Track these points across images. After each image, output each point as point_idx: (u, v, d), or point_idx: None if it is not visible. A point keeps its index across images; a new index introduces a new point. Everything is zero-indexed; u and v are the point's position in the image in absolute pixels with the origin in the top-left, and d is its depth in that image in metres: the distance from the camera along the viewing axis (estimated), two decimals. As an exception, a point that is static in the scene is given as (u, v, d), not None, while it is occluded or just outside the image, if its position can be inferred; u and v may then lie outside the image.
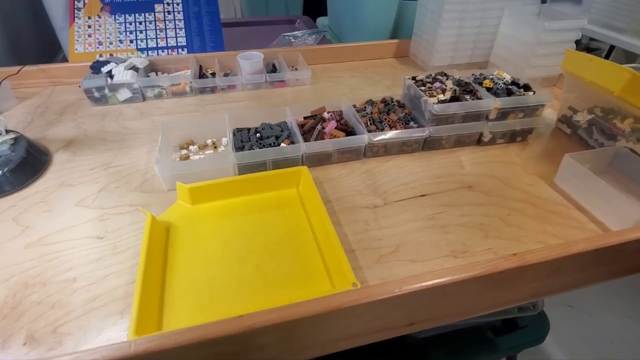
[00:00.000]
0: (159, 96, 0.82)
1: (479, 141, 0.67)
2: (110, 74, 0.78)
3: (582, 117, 0.67)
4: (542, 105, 0.65)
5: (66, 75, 0.86)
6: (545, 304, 1.18)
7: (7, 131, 0.61)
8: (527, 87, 0.67)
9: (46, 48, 1.04)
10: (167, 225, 0.50)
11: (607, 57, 1.50)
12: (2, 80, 0.74)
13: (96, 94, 0.77)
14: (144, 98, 0.81)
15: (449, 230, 0.50)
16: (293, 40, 1.16)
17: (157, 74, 0.87)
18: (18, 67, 0.81)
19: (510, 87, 0.67)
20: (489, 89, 0.66)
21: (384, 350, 0.74)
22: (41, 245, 0.48)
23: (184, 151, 0.64)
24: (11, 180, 0.55)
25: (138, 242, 0.47)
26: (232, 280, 0.43)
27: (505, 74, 0.71)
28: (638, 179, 0.58)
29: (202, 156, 0.64)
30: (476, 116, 0.64)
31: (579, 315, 1.20)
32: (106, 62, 0.80)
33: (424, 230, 0.51)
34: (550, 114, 0.76)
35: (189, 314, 0.40)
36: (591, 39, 1.57)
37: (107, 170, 0.61)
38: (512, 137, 0.68)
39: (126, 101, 0.80)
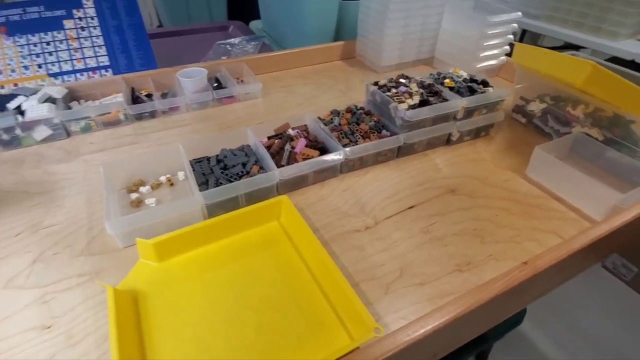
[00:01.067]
0: (86, 129, 0.70)
1: (448, 141, 0.67)
2: (19, 110, 0.64)
3: (535, 107, 0.70)
4: (502, 100, 0.66)
5: (-43, 115, 0.69)
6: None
7: None
8: (485, 83, 0.68)
9: None
10: (132, 294, 0.41)
11: (520, 40, 1.64)
12: None
13: (4, 137, 0.63)
14: (69, 134, 0.68)
15: (447, 242, 0.48)
16: (230, 48, 1.08)
17: (79, 103, 0.74)
18: None
19: (470, 84, 0.67)
20: (451, 88, 0.66)
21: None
22: (-37, 353, 0.36)
23: (135, 195, 0.54)
24: None
25: (100, 324, 0.38)
26: (230, 348, 0.36)
27: (461, 71, 0.72)
28: (597, 161, 0.61)
29: (156, 199, 0.54)
30: (445, 117, 0.63)
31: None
32: (12, 96, 0.66)
33: (423, 246, 0.48)
34: (503, 104, 0.78)
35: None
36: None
37: (37, 233, 0.49)
38: (477, 133, 0.69)
39: (45, 140, 0.66)
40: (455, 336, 0.39)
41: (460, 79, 0.69)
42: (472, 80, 0.69)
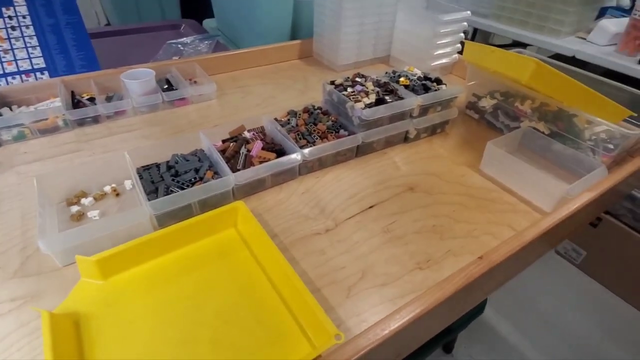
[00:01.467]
0: (20, 138, 0.63)
1: (405, 139, 0.68)
2: (-63, 119, 0.57)
3: (487, 103, 0.72)
4: (456, 97, 0.68)
5: None
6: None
7: None
8: (438, 81, 0.69)
9: None
10: (73, 318, 0.37)
11: (472, 38, 1.70)
12: None
13: None
14: (0, 144, 0.62)
15: (407, 241, 0.49)
16: (182, 48, 1.03)
17: (11, 109, 0.68)
18: None
19: (424, 82, 0.68)
20: (406, 87, 0.66)
21: None
22: None
23: (75, 207, 0.50)
24: None
25: (37, 353, 0.35)
26: (185, 369, 0.34)
27: (416, 69, 0.73)
28: (544, 154, 0.64)
29: (99, 212, 0.50)
30: (401, 115, 0.63)
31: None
32: None
33: (384, 246, 0.48)
34: (457, 101, 0.80)
35: None
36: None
37: (-40, 256, 0.44)
38: (433, 130, 0.70)
39: (-29, 151, 0.60)
40: (417, 334, 0.39)
41: (415, 77, 0.69)
42: (426, 78, 0.70)
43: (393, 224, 0.51)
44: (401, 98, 0.63)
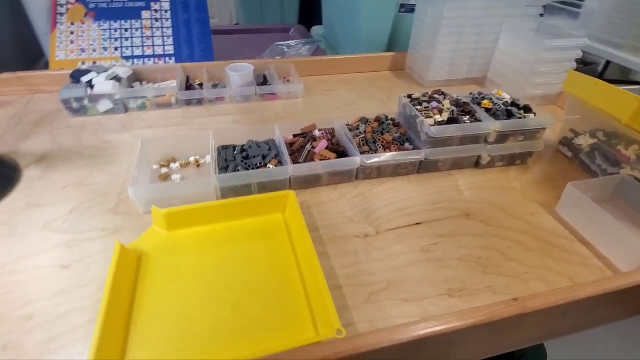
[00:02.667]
0: (142, 108, 0.78)
1: (477, 164, 0.64)
2: (90, 84, 0.74)
3: (584, 141, 0.64)
4: (544, 129, 0.62)
5: (45, 83, 0.82)
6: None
7: (-27, 145, 0.57)
8: (527, 109, 0.64)
9: (27, 54, 0.99)
10: (139, 254, 0.46)
11: (603, 71, 1.49)
12: (-27, 89, 0.70)
13: (75, 105, 0.73)
14: (127, 110, 0.77)
15: (445, 265, 0.47)
16: (286, 49, 1.13)
17: (141, 84, 0.83)
18: (-8, 74, 0.77)
19: (510, 108, 0.64)
20: (488, 110, 0.63)
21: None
22: (-2, 276, 0.43)
23: (165, 169, 0.60)
24: (-28, 201, 0.51)
25: (105, 274, 0.43)
26: (206, 322, 0.39)
27: (504, 93, 0.68)
28: (644, 209, 0.55)
29: (181, 176, 0.59)
30: (475, 138, 0.61)
31: (575, 339, 1.17)
32: (87, 71, 0.76)
33: (419, 264, 0.47)
34: (550, 134, 0.73)
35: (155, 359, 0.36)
36: (587, 53, 1.57)
37: (80, 188, 0.57)
38: (512, 160, 0.65)
39: (107, 113, 0.75)
40: (424, 357, 0.38)
41: (501, 102, 0.65)
42: (514, 104, 0.65)
43: (436, 245, 0.50)
44: (478, 121, 0.61)
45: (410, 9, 0.98)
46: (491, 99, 0.66)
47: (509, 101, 0.66)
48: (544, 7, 0.88)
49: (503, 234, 0.52)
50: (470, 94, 0.69)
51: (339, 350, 0.32)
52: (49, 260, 0.45)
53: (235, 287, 0.43)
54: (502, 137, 0.61)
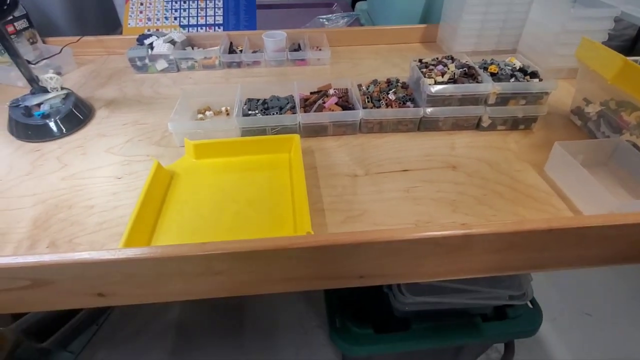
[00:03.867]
0: (191, 68, 0.91)
1: (478, 126, 0.68)
2: (151, 46, 0.88)
3: (592, 109, 0.65)
4: (546, 93, 0.64)
5: (118, 46, 0.98)
6: (562, 311, 1.14)
7: (62, 88, 0.73)
8: (534, 75, 0.66)
9: (108, 22, 1.18)
10: (171, 174, 0.58)
11: (633, 45, 1.38)
12: (63, 47, 0.88)
13: (138, 63, 0.88)
14: (178, 69, 0.91)
15: (419, 203, 0.53)
16: (326, 22, 1.20)
17: (193, 49, 0.97)
18: (77, 37, 0.95)
19: (516, 73, 0.66)
20: (493, 74, 0.66)
21: (370, 316, 0.78)
22: (73, 179, 0.58)
23: (200, 115, 0.72)
24: (59, 127, 0.67)
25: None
26: (213, 221, 0.50)
27: (516, 60, 0.70)
28: (638, 174, 0.56)
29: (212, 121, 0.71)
30: (474, 100, 0.64)
31: (597, 325, 1.14)
32: (149, 36, 0.91)
33: (397, 200, 0.54)
34: (565, 105, 0.73)
35: (172, 241, 0.48)
36: None
37: (135, 126, 0.71)
38: (514, 124, 0.67)
39: (163, 71, 0.90)
40: (381, 266, 0.45)
41: (509, 68, 0.68)
42: (522, 70, 0.67)
43: (416, 188, 0.56)
44: (479, 83, 0.64)
45: (446, -19, 1.00)
46: (499, 65, 0.68)
47: (517, 67, 0.68)
48: None
49: (483, 184, 0.57)
50: (483, 60, 0.72)
51: (300, 241, 0.41)
52: (108, 172, 0.60)
53: (239, 200, 0.53)
54: (503, 100, 0.64)
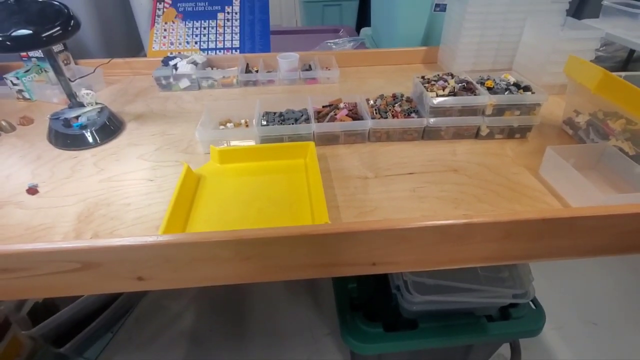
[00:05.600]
0: (211, 86, 0.99)
1: (477, 135, 0.74)
2: (175, 67, 0.97)
3: (582, 119, 0.71)
4: (538, 105, 0.70)
5: (144, 67, 1.07)
6: (568, 320, 1.17)
7: (97, 103, 0.80)
8: (527, 88, 0.72)
9: (132, 46, 1.28)
10: (198, 177, 0.64)
11: (626, 64, 1.46)
12: (96, 68, 0.97)
13: (163, 82, 0.96)
14: (199, 87, 0.99)
15: (424, 201, 0.59)
16: (334, 46, 1.29)
17: (212, 69, 1.05)
18: (108, 59, 1.04)
19: (510, 87, 0.72)
20: (489, 89, 0.73)
21: (379, 317, 0.81)
22: (110, 181, 0.64)
23: (222, 126, 0.79)
24: (94, 137, 0.74)
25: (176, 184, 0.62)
26: (238, 216, 0.56)
27: (510, 76, 0.77)
28: (624, 175, 0.61)
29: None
30: (473, 111, 0.71)
31: (603, 334, 1.15)
32: (173, 57, 0.99)
33: (404, 199, 0.59)
34: (557, 117, 0.80)
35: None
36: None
37: (163, 136, 0.78)
38: (511, 133, 0.73)
39: (185, 89, 0.98)
40: (391, 253, 0.50)
41: (504, 83, 0.74)
42: (516, 84, 0.74)
43: (421, 188, 0.61)
44: (476, 96, 0.71)
45: (444, 8, 1.09)
46: (494, 80, 0.75)
47: (512, 82, 0.75)
48: (602, 7, 0.92)
49: (482, 185, 0.62)
50: (480, 76, 0.79)
51: (320, 229, 0.47)
52: (141, 176, 0.66)
53: (261, 199, 0.59)
54: (499, 111, 0.71)
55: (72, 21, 0.58)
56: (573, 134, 0.74)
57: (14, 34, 0.51)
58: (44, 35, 0.54)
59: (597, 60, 0.98)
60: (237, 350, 1.15)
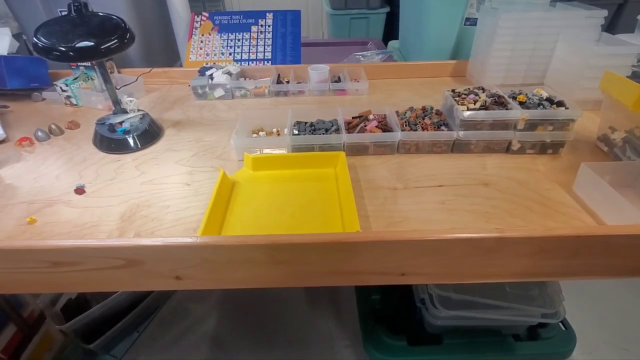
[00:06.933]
0: (244, 96, 1.03)
1: (508, 149, 0.74)
2: (211, 77, 1.01)
3: (618, 136, 0.69)
4: (572, 120, 0.69)
5: (181, 77, 1.12)
6: (598, 346, 1.12)
7: (138, 110, 0.85)
8: (560, 104, 0.72)
9: (169, 56, 1.34)
10: (233, 182, 0.67)
11: None
12: (138, 77, 1.02)
13: (199, 91, 1.01)
14: (233, 97, 1.03)
15: (454, 214, 0.59)
16: (362, 58, 1.32)
17: (245, 79, 1.09)
18: (149, 69, 1.09)
19: (543, 102, 0.72)
20: (521, 103, 0.73)
21: (402, 330, 0.81)
22: (151, 184, 0.68)
23: (255, 135, 0.82)
24: (137, 142, 0.78)
25: (212, 189, 0.65)
26: (271, 221, 0.58)
27: (543, 91, 0.77)
28: (664, 195, 0.59)
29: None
30: (504, 125, 0.71)
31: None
32: (209, 68, 1.04)
33: (433, 211, 0.60)
34: (592, 133, 0.78)
35: (238, 237, 0.55)
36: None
37: (199, 143, 0.81)
38: (543, 148, 0.73)
39: (220, 98, 1.02)
40: (421, 263, 0.50)
41: (536, 97, 0.74)
42: (548, 99, 0.73)
43: (450, 201, 0.62)
44: (508, 110, 0.71)
45: (474, 22, 1.09)
46: (526, 94, 0.75)
47: (544, 97, 0.74)
48: (637, 22, 0.91)
49: (514, 199, 0.62)
50: (511, 90, 0.79)
51: (352, 237, 0.48)
52: (179, 180, 0.69)
53: (293, 205, 0.61)
54: (531, 126, 0.70)
55: (128, 34, 0.63)
56: (608, 151, 0.72)
57: (77, 45, 0.56)
58: (103, 47, 0.59)
59: (633, 76, 0.96)
60: (257, 356, 1.16)
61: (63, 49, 0.57)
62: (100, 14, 0.62)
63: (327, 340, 1.19)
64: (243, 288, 0.54)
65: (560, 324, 0.81)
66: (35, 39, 0.57)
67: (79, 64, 1.04)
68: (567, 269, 0.52)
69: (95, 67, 0.73)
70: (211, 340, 1.21)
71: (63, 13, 0.64)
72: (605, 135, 0.73)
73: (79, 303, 1.21)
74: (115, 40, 0.61)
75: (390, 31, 2.27)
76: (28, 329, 1.08)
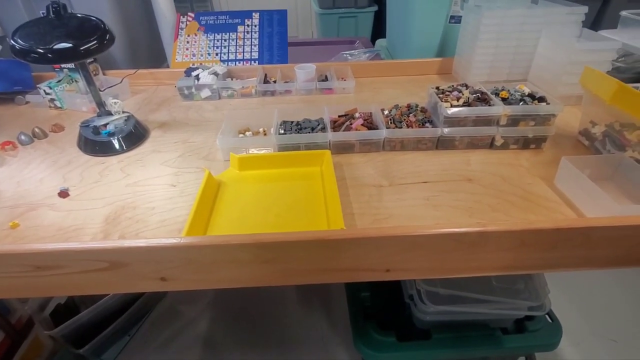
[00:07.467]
0: (231, 96, 1.03)
1: (491, 145, 0.74)
2: (197, 77, 1.01)
3: (598, 130, 0.71)
4: (553, 115, 0.70)
5: (167, 78, 1.12)
6: (586, 337, 1.14)
7: (123, 112, 0.84)
8: (541, 99, 0.73)
9: (155, 57, 1.33)
10: (219, 182, 0.67)
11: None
12: (123, 78, 1.01)
13: (185, 92, 1.00)
14: (220, 97, 1.03)
15: (439, 209, 0.60)
16: (349, 57, 1.32)
17: (232, 80, 1.09)
18: (134, 70, 1.09)
19: (525, 98, 0.73)
20: (504, 99, 0.74)
21: (392, 326, 0.82)
22: (136, 185, 0.68)
23: (241, 135, 0.82)
24: (122, 144, 0.78)
25: (196, 190, 0.65)
26: (257, 221, 0.58)
27: (525, 87, 0.78)
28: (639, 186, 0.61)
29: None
30: (487, 121, 0.72)
31: (623, 351, 1.12)
32: (196, 69, 1.03)
33: (418, 207, 0.60)
34: (573, 128, 0.80)
35: (223, 237, 0.55)
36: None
37: (185, 144, 0.81)
38: (526, 143, 0.74)
39: (206, 98, 1.02)
40: (406, 259, 0.51)
41: (518, 93, 0.75)
42: (531, 95, 0.74)
43: (435, 197, 0.62)
44: (491, 106, 0.72)
45: (459, 20, 1.10)
46: (509, 91, 0.76)
47: (527, 93, 0.75)
48: (620, 17, 0.93)
49: (497, 194, 0.62)
50: (494, 87, 0.80)
51: (336, 234, 0.48)
52: (164, 181, 0.69)
53: (278, 204, 0.61)
54: (513, 121, 0.71)
55: (108, 35, 0.62)
56: (589, 145, 0.74)
57: (55, 46, 0.55)
58: (82, 48, 0.59)
59: (617, 71, 0.98)
60: (250, 356, 1.16)
61: (41, 50, 0.56)
62: (79, 15, 0.61)
63: (319, 339, 1.19)
64: (233, 288, 0.54)
65: (546, 316, 0.82)
66: (12, 41, 0.57)
67: (62, 66, 1.02)
68: (549, 261, 0.53)
69: (78, 69, 0.72)
70: (203, 342, 1.21)
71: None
72: (586, 130, 0.75)
73: (69, 308, 1.19)
74: (95, 42, 0.60)
75: (379, 30, 2.28)
76: (16, 335, 1.07)
